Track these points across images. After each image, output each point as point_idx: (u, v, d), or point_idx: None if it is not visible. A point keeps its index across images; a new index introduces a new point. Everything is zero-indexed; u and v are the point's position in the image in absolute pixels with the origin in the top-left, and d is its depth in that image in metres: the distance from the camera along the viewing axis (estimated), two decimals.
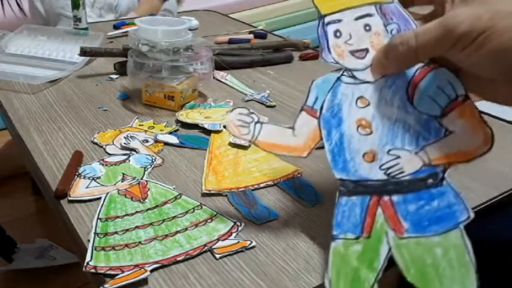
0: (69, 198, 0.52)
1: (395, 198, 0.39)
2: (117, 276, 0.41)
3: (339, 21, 0.42)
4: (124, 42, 0.97)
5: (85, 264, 0.43)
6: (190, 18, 1.12)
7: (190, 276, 0.42)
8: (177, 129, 0.68)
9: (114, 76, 0.89)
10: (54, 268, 1.27)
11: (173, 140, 0.64)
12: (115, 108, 0.76)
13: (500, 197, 0.54)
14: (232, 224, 0.48)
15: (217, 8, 1.51)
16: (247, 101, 0.79)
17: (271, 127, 0.43)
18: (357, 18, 0.42)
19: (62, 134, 0.67)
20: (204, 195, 0.53)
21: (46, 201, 0.58)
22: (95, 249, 0.44)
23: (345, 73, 0.42)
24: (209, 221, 0.48)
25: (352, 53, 0.41)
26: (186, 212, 0.49)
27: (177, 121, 0.70)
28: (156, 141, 0.64)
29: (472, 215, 0.38)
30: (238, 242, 0.45)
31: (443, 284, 0.36)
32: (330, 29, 0.42)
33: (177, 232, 0.46)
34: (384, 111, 0.40)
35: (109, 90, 0.83)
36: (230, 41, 1.06)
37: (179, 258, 0.43)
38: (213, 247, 0.44)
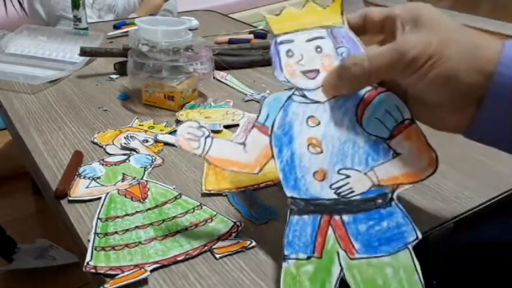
0: (69, 198, 0.52)
1: (345, 217, 0.39)
2: (117, 276, 0.41)
3: (291, 41, 0.43)
4: (124, 42, 0.97)
5: (85, 264, 0.43)
6: (190, 18, 1.12)
7: (190, 276, 0.42)
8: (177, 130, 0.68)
9: (114, 76, 0.89)
10: (54, 268, 1.27)
11: (173, 140, 0.64)
12: (115, 108, 0.76)
13: (500, 197, 0.54)
14: (232, 224, 0.48)
15: (217, 8, 1.51)
16: (247, 101, 0.79)
17: (222, 142, 0.42)
18: (308, 40, 0.43)
19: (62, 134, 0.67)
20: (204, 195, 0.53)
21: (46, 201, 0.58)
22: (95, 249, 0.44)
23: (296, 92, 0.42)
24: (209, 221, 0.48)
25: (304, 73, 0.42)
26: (186, 212, 0.49)
27: (177, 121, 0.70)
28: (156, 141, 0.64)
29: (420, 236, 0.38)
30: (238, 242, 0.45)
31: None
32: (282, 49, 0.43)
33: (177, 232, 0.46)
34: (333, 131, 0.41)
35: (109, 90, 0.83)
36: (230, 41, 1.06)
37: (179, 258, 0.43)
38: (213, 247, 0.44)
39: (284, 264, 0.38)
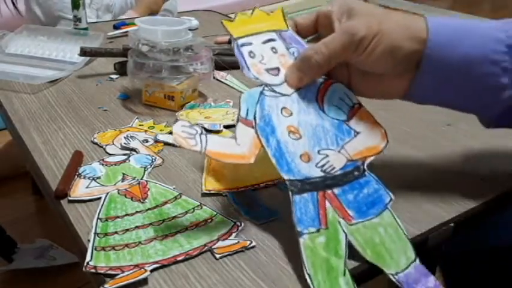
0: (69, 198, 0.52)
1: (336, 190, 0.44)
2: (117, 276, 0.41)
3: (250, 44, 0.49)
4: (124, 42, 0.97)
5: (85, 264, 0.43)
6: (190, 18, 1.12)
7: (190, 276, 0.42)
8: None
9: (114, 76, 0.89)
10: (54, 268, 1.27)
11: (173, 140, 0.64)
12: (115, 108, 0.76)
13: (500, 197, 0.54)
14: (232, 224, 0.48)
15: (217, 8, 1.51)
16: None
17: (215, 138, 0.46)
18: (264, 42, 0.49)
19: (62, 134, 0.67)
20: (204, 195, 0.53)
21: (46, 201, 0.58)
22: (95, 249, 0.44)
23: (265, 88, 0.47)
24: (209, 221, 0.48)
25: (267, 70, 0.48)
26: (186, 212, 0.49)
27: (177, 121, 0.70)
28: (156, 141, 0.64)
29: (393, 196, 0.45)
30: (238, 242, 0.45)
31: (393, 258, 0.42)
32: (245, 50, 0.49)
33: (177, 232, 0.46)
34: (304, 118, 0.46)
35: (109, 90, 0.83)
36: (230, 41, 1.06)
37: (179, 258, 0.43)
38: (213, 247, 0.44)
39: (301, 240, 0.42)
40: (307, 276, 0.40)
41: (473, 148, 0.64)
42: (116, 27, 1.21)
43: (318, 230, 0.42)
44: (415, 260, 0.42)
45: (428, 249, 0.47)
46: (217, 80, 0.87)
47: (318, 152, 0.45)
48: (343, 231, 0.43)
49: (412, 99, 0.48)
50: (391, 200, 0.45)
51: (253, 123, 0.45)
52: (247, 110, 0.46)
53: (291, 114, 0.46)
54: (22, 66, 0.93)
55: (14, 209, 1.54)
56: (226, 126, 0.68)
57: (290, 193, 0.43)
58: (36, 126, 0.69)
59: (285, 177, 0.44)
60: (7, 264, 1.26)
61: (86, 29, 1.14)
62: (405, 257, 0.42)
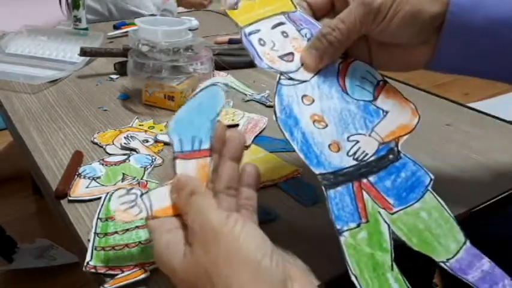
0: (69, 198, 0.52)
1: (371, 178, 0.41)
2: (117, 276, 0.41)
3: (258, 31, 0.45)
4: (124, 42, 0.97)
5: (85, 264, 0.43)
6: (190, 18, 1.12)
7: None
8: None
9: (114, 76, 0.89)
10: (54, 268, 1.27)
11: None
12: (115, 108, 0.76)
13: (500, 197, 0.54)
14: None
15: (217, 8, 1.51)
16: (247, 101, 0.79)
17: (158, 191, 0.40)
18: (273, 27, 0.45)
19: (62, 134, 0.67)
20: None
21: (46, 201, 0.58)
22: (95, 249, 0.44)
23: (282, 76, 0.43)
24: None
25: (281, 57, 0.44)
26: None
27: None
28: (156, 141, 0.64)
29: (433, 176, 0.41)
30: None
31: (441, 243, 0.39)
32: (253, 39, 0.44)
33: None
34: (328, 104, 0.43)
35: (109, 90, 0.83)
36: (230, 41, 1.06)
37: None
38: None
39: (341, 239, 0.39)
40: (353, 278, 0.38)
41: (473, 148, 0.64)
42: (116, 27, 1.21)
43: (359, 225, 0.39)
44: (465, 243, 0.39)
45: None
46: None
47: (348, 138, 0.42)
48: (385, 221, 0.40)
49: (437, 68, 0.44)
50: (431, 180, 0.41)
51: (186, 157, 0.40)
52: (181, 141, 0.40)
53: (313, 101, 0.43)
54: (22, 66, 0.93)
55: (14, 209, 1.54)
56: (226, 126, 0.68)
57: (323, 188, 0.40)
58: (36, 126, 0.69)
59: (316, 171, 0.40)
60: (7, 264, 1.26)
61: (86, 29, 1.14)
62: (455, 240, 0.39)
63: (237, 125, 0.69)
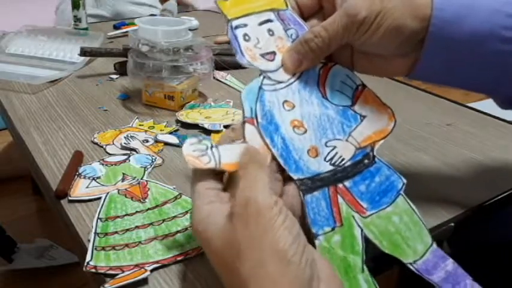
0: (70, 198, 0.52)
1: (347, 183, 0.42)
2: (117, 276, 0.41)
3: (245, 25, 0.45)
4: (124, 42, 0.97)
5: (85, 264, 0.43)
6: (190, 18, 1.12)
7: (190, 276, 0.42)
8: (177, 129, 0.68)
9: (114, 76, 0.89)
10: (54, 268, 1.27)
11: (173, 140, 0.64)
12: (115, 108, 0.76)
13: (499, 197, 0.54)
14: None
15: (217, 8, 1.51)
16: None
17: (227, 147, 0.41)
18: (260, 24, 0.45)
19: (62, 134, 0.67)
20: None
21: (46, 201, 0.58)
22: (95, 249, 0.44)
23: (264, 81, 0.43)
24: None
25: (262, 55, 0.44)
26: (186, 212, 0.49)
27: (177, 121, 0.70)
28: (156, 141, 0.64)
29: (405, 180, 0.42)
30: None
31: (410, 246, 0.41)
32: (239, 33, 0.45)
33: (177, 232, 0.47)
34: (308, 110, 0.43)
35: (109, 90, 0.83)
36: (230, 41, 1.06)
37: (179, 258, 0.43)
38: None
39: (317, 242, 0.40)
40: None
41: (473, 148, 0.64)
42: (116, 27, 1.21)
43: (333, 229, 0.40)
44: (431, 245, 0.41)
45: None
46: (217, 80, 0.87)
47: (326, 144, 0.43)
48: (358, 225, 0.41)
49: (418, 78, 0.45)
50: (403, 184, 0.43)
51: (255, 122, 0.42)
52: (251, 108, 0.42)
53: (294, 107, 0.43)
54: (22, 66, 0.93)
55: (14, 209, 1.54)
56: (226, 126, 0.68)
57: (301, 193, 0.41)
58: (36, 126, 0.69)
59: (294, 177, 0.41)
60: (7, 264, 1.26)
61: (86, 29, 1.14)
62: (422, 243, 0.41)
63: None
